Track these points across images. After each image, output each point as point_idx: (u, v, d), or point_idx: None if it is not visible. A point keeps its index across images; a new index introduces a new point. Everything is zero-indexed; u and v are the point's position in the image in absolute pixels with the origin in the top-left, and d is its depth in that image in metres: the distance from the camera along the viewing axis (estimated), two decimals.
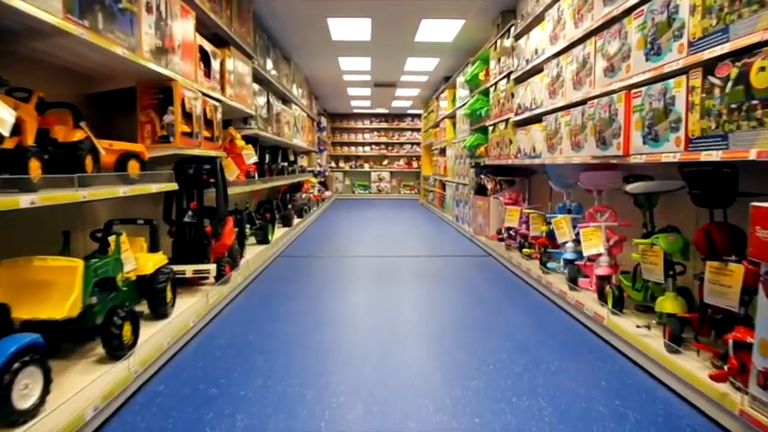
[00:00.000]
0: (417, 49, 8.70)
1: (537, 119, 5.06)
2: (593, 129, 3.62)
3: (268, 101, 7.02)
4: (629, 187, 3.29)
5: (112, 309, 2.69)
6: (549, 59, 4.67)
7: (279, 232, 7.59)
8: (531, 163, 5.22)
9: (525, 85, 5.40)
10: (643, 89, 2.95)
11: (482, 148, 7.31)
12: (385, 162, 19.30)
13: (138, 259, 3.23)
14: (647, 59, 2.93)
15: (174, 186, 3.77)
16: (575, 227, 4.50)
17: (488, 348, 3.28)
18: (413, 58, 9.58)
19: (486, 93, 7.31)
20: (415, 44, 8.39)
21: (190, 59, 4.03)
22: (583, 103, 3.84)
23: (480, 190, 7.48)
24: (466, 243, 7.81)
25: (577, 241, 4.48)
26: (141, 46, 3.19)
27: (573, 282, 4.18)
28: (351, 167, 19.29)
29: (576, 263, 4.31)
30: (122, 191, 2.98)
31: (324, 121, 15.20)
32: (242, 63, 5.65)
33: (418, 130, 18.32)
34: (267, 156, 7.91)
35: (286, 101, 9.05)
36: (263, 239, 6.48)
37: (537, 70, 5.09)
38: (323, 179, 15.27)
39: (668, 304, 2.94)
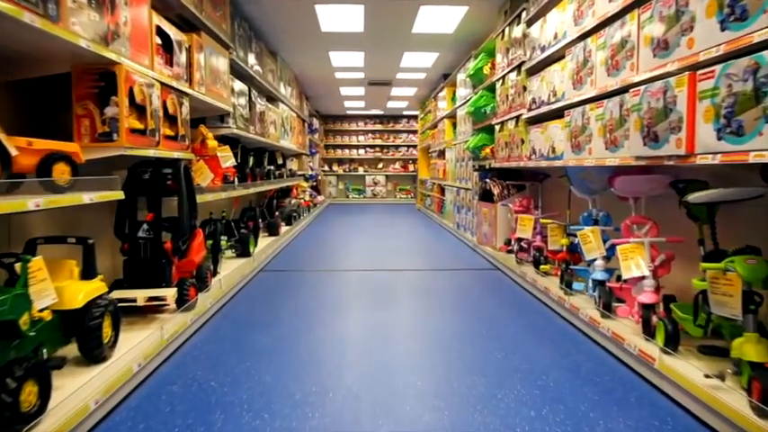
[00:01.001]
0: (415, 41, 8.01)
1: (557, 114, 4.37)
2: (637, 123, 2.92)
3: (250, 98, 6.31)
4: (696, 196, 2.59)
5: (8, 365, 1.97)
6: (572, 43, 3.98)
7: (263, 242, 6.87)
8: (549, 165, 4.52)
9: (540, 77, 4.71)
10: (717, 68, 2.25)
11: (487, 150, 6.62)
12: (380, 165, 18.59)
13: (63, 290, 2.50)
14: (722, 28, 2.24)
15: (117, 195, 3.04)
16: (604, 241, 3.81)
17: (512, 403, 2.57)
18: (410, 53, 8.89)
19: (491, 88, 6.62)
20: (412, 36, 7.70)
21: (142, 41, 3.32)
22: (622, 91, 3.14)
23: (485, 195, 6.79)
24: (469, 254, 7.11)
25: (608, 258, 3.80)
26: (66, 17, 2.47)
27: (606, 308, 3.48)
28: (345, 171, 18.57)
29: (608, 284, 3.61)
30: (33, 203, 2.26)
31: (316, 122, 14.51)
32: (216, 53, 4.94)
33: (414, 131, 17.64)
34: (251, 159, 7.20)
35: (272, 99, 8.35)
36: (242, 252, 5.76)
37: (556, 58, 4.40)
38: (315, 183, 14.55)
39: (750, 350, 2.23)
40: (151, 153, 3.42)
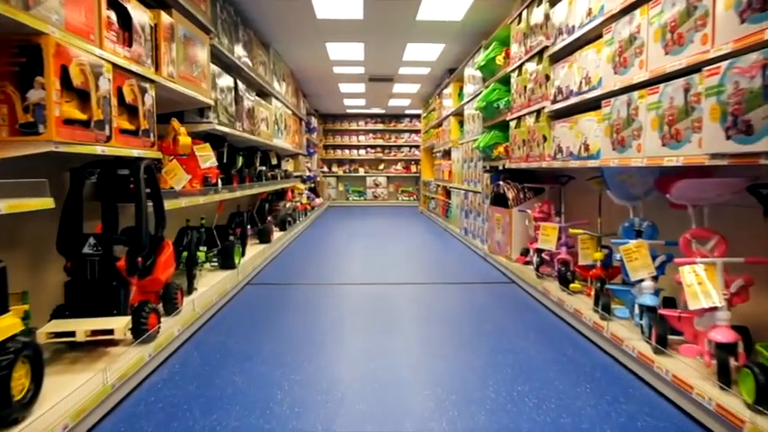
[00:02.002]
0: (419, 30, 7.34)
1: (590, 105, 3.71)
2: (714, 110, 2.25)
3: (236, 91, 5.65)
4: None
5: None
6: (612, 19, 3.31)
7: (253, 251, 6.22)
8: (581, 166, 3.85)
9: (568, 63, 4.04)
10: None
11: (500, 149, 5.95)
12: (381, 166, 17.93)
13: None
14: None
15: (44, 204, 2.37)
16: (654, 258, 3.14)
17: None
18: (414, 45, 8.21)
19: (505, 81, 5.95)
20: (416, 25, 7.03)
21: (84, 9, 2.66)
22: (691, 71, 2.48)
23: (498, 200, 6.12)
24: (480, 264, 6.44)
25: (656, 278, 3.14)
26: None
27: (661, 342, 2.81)
28: (344, 172, 17.90)
29: (661, 311, 2.95)
30: None
31: (314, 121, 13.85)
32: (193, 36, 4.28)
33: (417, 131, 16.97)
34: (240, 159, 6.54)
35: (264, 95, 7.68)
36: (225, 264, 5.10)
37: (589, 39, 3.74)
38: (313, 185, 13.89)
39: None
40: (98, 150, 2.76)
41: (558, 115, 4.32)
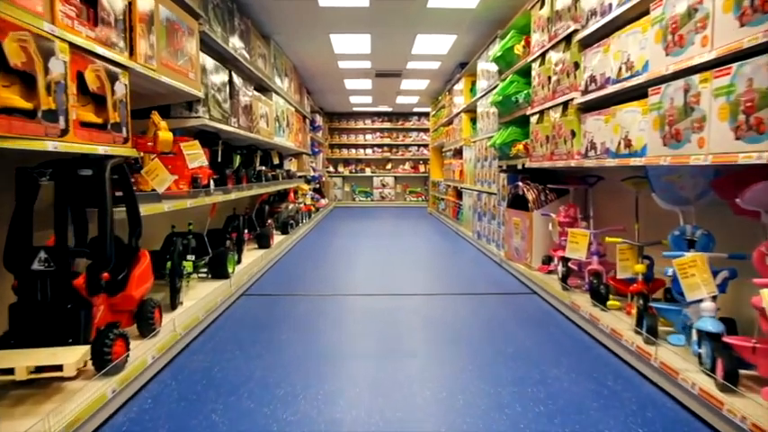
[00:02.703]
0: (430, 19, 6.83)
1: (632, 94, 3.21)
2: None
3: (231, 84, 5.19)
4: None
5: None
6: None
7: (251, 257, 5.76)
8: (620, 164, 3.34)
9: (603, 47, 3.54)
10: None
11: (519, 146, 5.45)
12: (389, 166, 17.43)
13: None
14: None
15: None
16: (714, 274, 2.64)
17: None
18: (423, 37, 7.72)
19: (524, 72, 5.45)
20: (427, 13, 6.53)
21: None
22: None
23: (516, 202, 5.62)
24: (496, 272, 5.94)
25: (714, 297, 2.63)
26: None
27: (730, 380, 2.30)
28: (351, 172, 17.42)
29: (728, 339, 2.44)
30: None
31: (319, 119, 13.38)
32: (178, 20, 3.82)
33: (426, 130, 16.47)
34: (237, 158, 6.09)
35: (265, 90, 7.23)
36: (218, 273, 4.63)
37: (630, 19, 3.23)
38: (318, 185, 13.43)
39: None
40: (48, 146, 2.29)
41: (590, 107, 3.81)
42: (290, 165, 9.61)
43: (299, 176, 10.18)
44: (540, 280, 4.77)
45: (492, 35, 6.74)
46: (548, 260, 5.01)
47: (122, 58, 2.99)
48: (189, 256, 4.16)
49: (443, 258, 7.15)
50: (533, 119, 5.03)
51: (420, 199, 16.98)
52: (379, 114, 17.14)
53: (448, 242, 8.50)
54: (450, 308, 4.45)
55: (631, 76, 3.14)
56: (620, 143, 3.32)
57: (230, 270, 4.75)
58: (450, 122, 10.72)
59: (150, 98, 4.08)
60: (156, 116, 3.54)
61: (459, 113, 9.38)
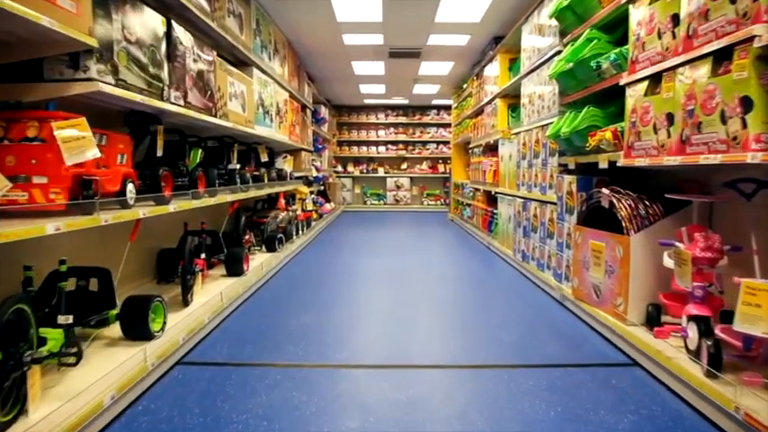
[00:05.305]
0: None
1: None
2: None
3: (169, 39, 3.44)
4: None
5: None
6: None
7: (210, 292, 4.01)
8: None
9: None
10: None
11: (603, 134, 3.61)
12: (404, 166, 15.62)
13: None
14: None
15: None
16: None
17: None
18: (448, 1, 5.90)
19: (610, 24, 3.65)
20: None
21: None
22: None
23: (594, 217, 3.81)
24: (559, 316, 4.12)
25: None
26: None
27: None
28: (361, 172, 15.63)
29: None
30: None
31: (324, 111, 11.61)
32: None
33: (446, 125, 14.64)
34: (197, 153, 4.31)
35: (243, 64, 5.48)
36: (137, 333, 2.88)
37: None
38: (322, 187, 11.66)
39: None
40: None
41: None
42: (285, 163, 7.85)
43: (297, 177, 8.42)
44: (647, 345, 2.97)
45: None
46: (656, 313, 3.19)
47: None
48: (62, 317, 2.39)
49: (479, 291, 5.29)
50: (635, 90, 3.20)
51: (439, 203, 15.15)
52: (393, 107, 15.34)
53: (480, 263, 6.67)
54: (502, 398, 2.62)
55: None
56: None
57: (155, 331, 2.99)
58: (478, 113, 8.88)
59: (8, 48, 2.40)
60: None
61: (492, 99, 7.55)
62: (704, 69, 2.49)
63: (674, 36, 2.77)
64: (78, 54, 2.57)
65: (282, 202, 7.04)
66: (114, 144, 2.97)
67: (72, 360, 2.21)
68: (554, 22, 4.64)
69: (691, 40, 2.59)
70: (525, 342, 3.54)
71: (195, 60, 3.88)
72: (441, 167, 15.30)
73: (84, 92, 2.58)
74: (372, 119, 15.47)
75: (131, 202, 3.03)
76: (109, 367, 2.52)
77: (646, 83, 3.07)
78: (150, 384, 2.74)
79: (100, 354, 2.76)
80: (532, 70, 5.43)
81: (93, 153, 2.54)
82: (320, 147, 10.99)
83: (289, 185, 7.46)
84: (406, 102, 14.58)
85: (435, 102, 14.39)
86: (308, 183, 9.51)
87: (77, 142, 2.48)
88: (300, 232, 7.80)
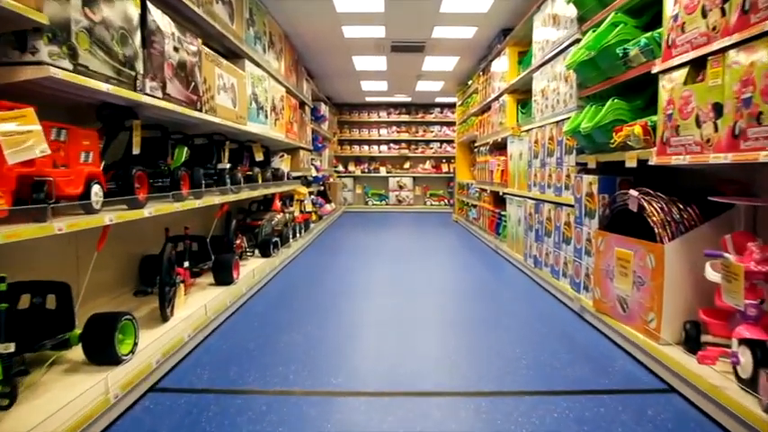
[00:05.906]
0: None
1: None
2: None
3: (144, 22, 3.07)
4: None
5: None
6: None
7: (195, 304, 3.64)
8: None
9: None
10: None
11: (632, 129, 3.22)
12: (406, 165, 15.24)
13: None
14: None
15: None
16: None
17: None
18: None
19: (637, 8, 3.26)
20: None
21: None
22: None
23: (620, 221, 3.42)
24: (579, 331, 3.72)
25: None
26: None
27: None
28: (363, 172, 15.25)
29: None
30: None
31: (324, 108, 11.22)
32: None
33: (450, 123, 14.26)
34: (182, 151, 3.92)
35: (235, 55, 5.11)
36: (101, 358, 2.51)
37: None
38: (322, 187, 11.28)
39: None
40: None
41: None
42: (281, 162, 7.47)
43: (295, 177, 8.04)
44: (683, 367, 2.58)
45: None
46: (694, 331, 2.79)
47: None
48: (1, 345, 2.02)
49: (490, 302, 4.89)
50: (671, 78, 2.81)
51: (442, 203, 14.76)
52: (395, 105, 14.96)
53: (488, 269, 6.28)
54: None
55: None
56: None
57: (122, 352, 2.61)
58: (485, 110, 8.49)
59: None
60: None
61: (500, 95, 7.16)
62: (766, 50, 2.10)
63: (723, 13, 2.38)
64: (26, 33, 2.19)
65: (278, 203, 6.65)
66: (77, 140, 2.58)
67: (4, 402, 1.83)
68: (570, 9, 4.26)
69: (747, 16, 2.20)
70: (545, 362, 3.15)
71: (176, 49, 3.50)
72: (444, 167, 14.91)
73: (32, 77, 2.20)
74: (374, 117, 15.09)
75: (97, 207, 2.66)
76: (63, 401, 2.15)
77: (685, 70, 2.68)
78: (115, 417, 2.37)
79: (55, 383, 2.38)
80: (546, 62, 5.04)
81: (43, 149, 2.17)
82: (320, 145, 10.61)
83: (285, 186, 7.08)
84: (408, 99, 14.20)
85: (439, 99, 14.00)
86: (307, 183, 9.13)
87: (22, 137, 2.11)
88: (298, 235, 7.42)
